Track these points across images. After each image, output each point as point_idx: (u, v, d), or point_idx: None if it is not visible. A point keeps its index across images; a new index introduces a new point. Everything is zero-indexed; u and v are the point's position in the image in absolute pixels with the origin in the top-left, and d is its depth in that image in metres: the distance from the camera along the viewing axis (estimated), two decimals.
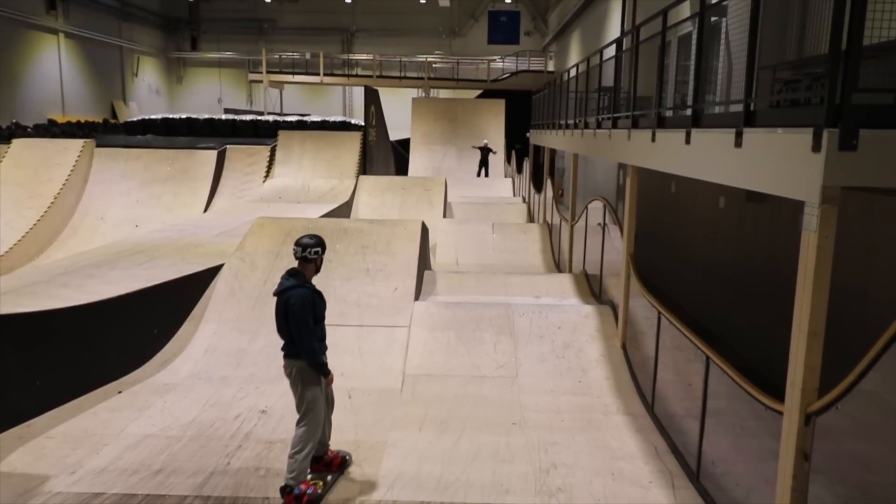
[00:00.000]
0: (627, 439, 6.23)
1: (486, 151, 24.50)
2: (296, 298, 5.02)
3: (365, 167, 20.01)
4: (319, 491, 5.14)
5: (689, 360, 5.63)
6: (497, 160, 25.38)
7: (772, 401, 4.15)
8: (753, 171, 4.28)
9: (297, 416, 5.15)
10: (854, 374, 3.31)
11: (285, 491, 5.00)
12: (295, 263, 5.24)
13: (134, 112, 34.16)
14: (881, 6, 3.54)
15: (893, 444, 3.22)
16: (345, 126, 23.17)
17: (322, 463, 5.46)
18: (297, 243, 5.21)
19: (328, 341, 5.33)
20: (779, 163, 3.92)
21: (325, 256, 5.63)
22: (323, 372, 5.15)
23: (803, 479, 3.75)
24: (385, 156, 23.42)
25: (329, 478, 5.36)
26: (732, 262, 8.61)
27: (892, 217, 5.20)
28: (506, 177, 24.69)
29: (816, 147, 3.42)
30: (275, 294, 5.17)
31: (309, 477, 5.22)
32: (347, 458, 5.68)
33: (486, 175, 24.53)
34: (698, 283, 9.34)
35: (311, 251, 5.16)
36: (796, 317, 3.72)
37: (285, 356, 5.15)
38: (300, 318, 5.00)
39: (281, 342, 5.19)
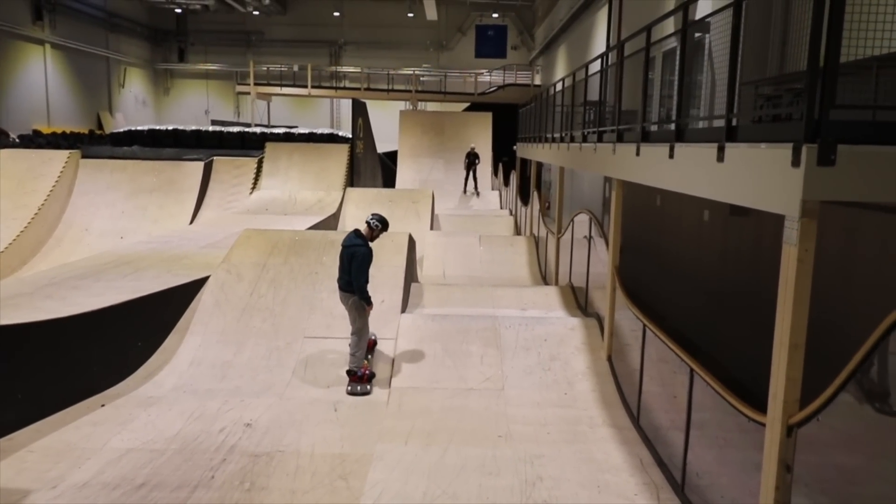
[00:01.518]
0: (613, 451, 6.24)
1: (472, 158, 22.84)
2: (361, 252, 7.36)
3: (352, 179, 20.02)
4: (371, 372, 7.61)
5: (675, 373, 5.66)
6: (484, 172, 24.94)
7: (755, 412, 4.19)
8: (735, 186, 4.34)
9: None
10: (834, 385, 3.35)
11: (350, 373, 7.45)
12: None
13: (120, 123, 34.00)
14: (857, 25, 3.62)
15: (874, 455, 3.27)
16: (332, 138, 23.17)
17: None
18: (370, 215, 7.70)
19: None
20: (759, 177, 3.98)
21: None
22: (369, 303, 7.47)
23: (785, 490, 3.78)
24: (372, 168, 23.43)
25: (369, 356, 7.80)
26: (717, 274, 8.69)
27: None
28: (493, 189, 24.71)
29: (796, 162, 3.48)
30: (344, 245, 7.49)
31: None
32: (375, 339, 8.14)
33: (476, 190, 23.25)
34: (684, 295, 9.41)
35: (373, 222, 7.62)
36: (777, 329, 3.77)
37: (342, 290, 7.50)
38: (362, 266, 7.32)
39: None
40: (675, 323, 7.44)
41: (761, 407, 4.06)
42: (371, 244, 7.62)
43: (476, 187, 23.43)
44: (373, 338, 8.00)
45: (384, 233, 7.85)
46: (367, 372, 7.52)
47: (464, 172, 23.46)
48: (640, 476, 5.76)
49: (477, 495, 5.38)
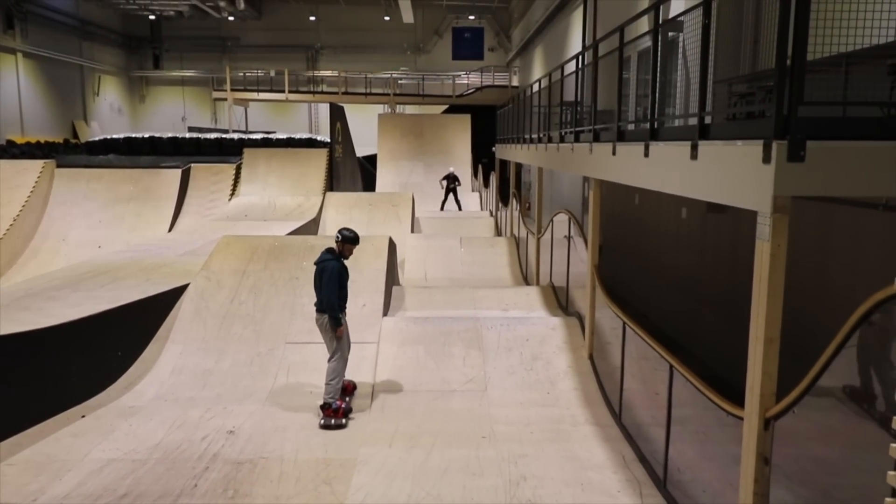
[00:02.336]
0: (596, 449, 6.29)
1: (452, 181, 22.13)
2: (329, 267, 6.96)
3: (332, 184, 19.98)
4: (347, 405, 7.06)
5: (655, 370, 5.71)
6: (464, 174, 24.56)
7: (733, 407, 4.24)
8: (709, 183, 4.39)
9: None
10: (808, 378, 3.40)
11: (325, 407, 6.86)
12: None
13: (96, 132, 33.63)
14: (826, 22, 3.68)
15: (851, 446, 3.32)
16: (311, 143, 23.09)
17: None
18: (338, 231, 7.24)
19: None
20: (732, 174, 4.03)
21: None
22: (337, 323, 6.95)
23: (764, 482, 3.83)
24: (352, 172, 23.38)
25: (347, 399, 7.22)
26: (696, 270, 8.77)
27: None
28: (473, 191, 24.73)
29: (766, 158, 3.53)
30: (315, 263, 7.13)
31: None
32: (354, 384, 7.57)
33: (458, 207, 22.12)
34: (663, 292, 9.49)
35: (338, 237, 7.17)
36: (752, 324, 3.82)
37: (318, 311, 7.00)
38: (330, 279, 6.90)
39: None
40: (656, 320, 7.51)
41: (741, 400, 4.11)
42: (345, 261, 7.18)
43: (459, 206, 22.39)
44: (353, 383, 7.56)
45: (355, 246, 7.27)
46: (342, 406, 6.94)
47: (440, 185, 22.60)
48: (623, 473, 5.81)
49: (461, 496, 5.39)
